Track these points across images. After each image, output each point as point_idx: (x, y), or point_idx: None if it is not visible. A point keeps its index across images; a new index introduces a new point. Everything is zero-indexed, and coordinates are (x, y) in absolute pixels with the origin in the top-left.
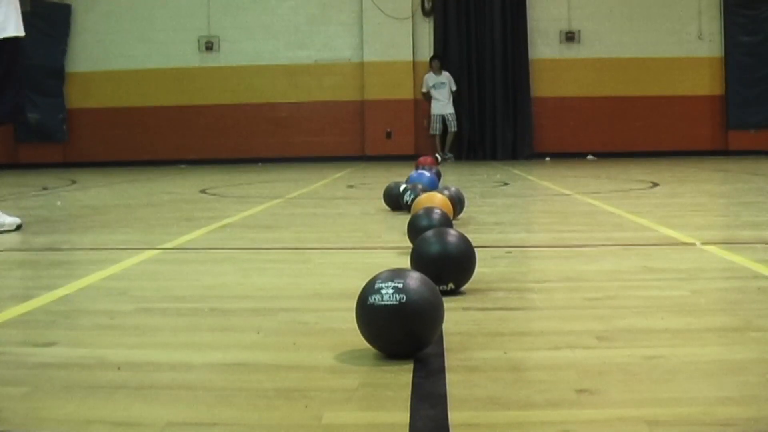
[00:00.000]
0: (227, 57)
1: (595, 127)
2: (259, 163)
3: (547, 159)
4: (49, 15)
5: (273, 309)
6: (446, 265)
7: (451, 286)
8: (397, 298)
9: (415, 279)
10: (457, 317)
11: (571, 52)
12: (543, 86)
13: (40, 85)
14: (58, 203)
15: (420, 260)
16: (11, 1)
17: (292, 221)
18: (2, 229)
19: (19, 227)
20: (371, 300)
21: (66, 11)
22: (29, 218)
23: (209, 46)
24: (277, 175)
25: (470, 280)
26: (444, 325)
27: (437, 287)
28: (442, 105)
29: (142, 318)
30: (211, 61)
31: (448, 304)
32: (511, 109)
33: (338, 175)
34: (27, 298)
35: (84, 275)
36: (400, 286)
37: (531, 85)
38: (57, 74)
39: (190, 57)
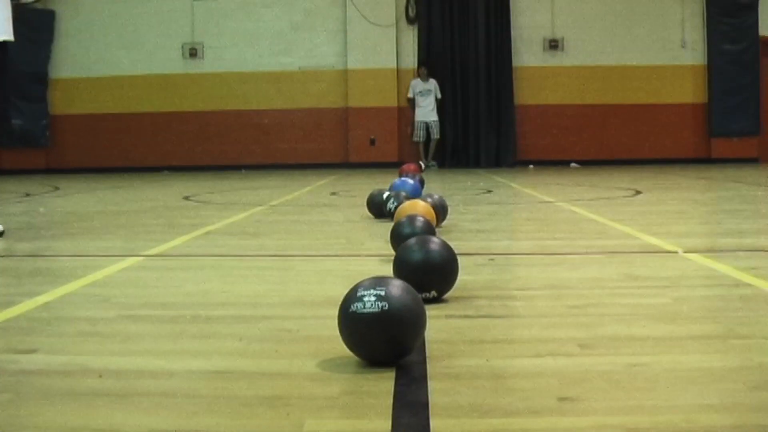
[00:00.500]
0: (211, 63)
1: (579, 135)
2: (243, 170)
3: (531, 166)
4: (33, 21)
5: (255, 316)
6: (429, 272)
7: (433, 293)
8: (379, 306)
9: (397, 287)
10: (439, 325)
11: (555, 59)
12: (526, 94)
13: (24, 90)
14: (41, 210)
15: (402, 268)
16: (1, 5)
17: (275, 228)
18: None
19: (1, 234)
20: (353, 308)
21: (49, 17)
22: (11, 225)
23: (193, 53)
24: (260, 182)
25: (453, 288)
26: (426, 333)
27: (420, 295)
28: (427, 112)
29: (124, 325)
30: (195, 67)
31: (431, 311)
32: (495, 116)
33: (322, 182)
34: (9, 304)
35: (66, 282)
36: (382, 293)
37: (515, 92)
38: (40, 80)
39: (174, 63)
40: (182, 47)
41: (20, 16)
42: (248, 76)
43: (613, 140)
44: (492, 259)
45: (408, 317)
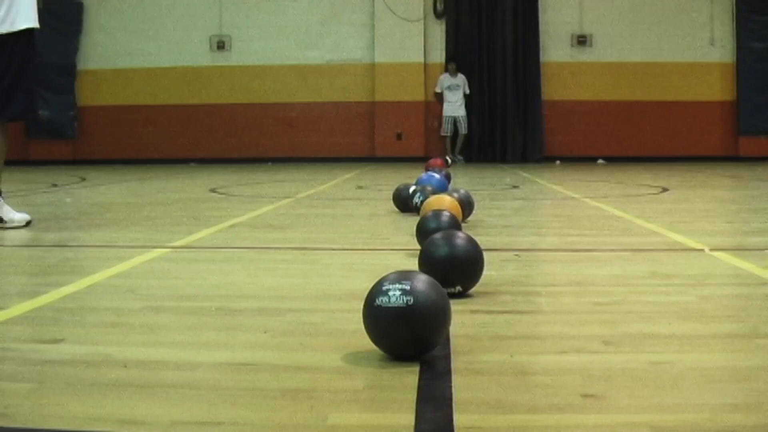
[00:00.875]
0: (238, 56)
1: (606, 131)
2: (269, 163)
3: (557, 162)
4: (61, 12)
5: (280, 309)
6: (454, 267)
7: (458, 288)
8: (404, 300)
9: (422, 281)
10: (463, 320)
11: (583, 55)
12: (554, 89)
13: (51, 82)
14: (68, 200)
15: (428, 262)
16: None
17: (300, 221)
18: (12, 226)
19: (28, 224)
20: (378, 301)
21: (78, 8)
22: (38, 215)
23: (221, 45)
24: (286, 175)
25: (478, 283)
26: (450, 328)
27: (445, 290)
28: (455, 107)
29: (149, 316)
30: (222, 60)
31: (456, 306)
32: (522, 112)
33: (348, 175)
34: (35, 294)
35: (92, 273)
36: (408, 288)
37: (542, 88)
38: (68, 71)
39: (201, 56)
40: (210, 39)
41: (48, 7)
42: (275, 69)
43: (640, 137)
44: (517, 255)
45: (433, 312)
